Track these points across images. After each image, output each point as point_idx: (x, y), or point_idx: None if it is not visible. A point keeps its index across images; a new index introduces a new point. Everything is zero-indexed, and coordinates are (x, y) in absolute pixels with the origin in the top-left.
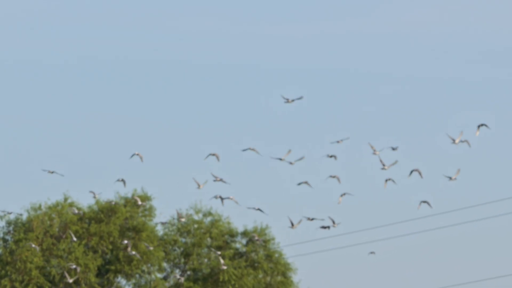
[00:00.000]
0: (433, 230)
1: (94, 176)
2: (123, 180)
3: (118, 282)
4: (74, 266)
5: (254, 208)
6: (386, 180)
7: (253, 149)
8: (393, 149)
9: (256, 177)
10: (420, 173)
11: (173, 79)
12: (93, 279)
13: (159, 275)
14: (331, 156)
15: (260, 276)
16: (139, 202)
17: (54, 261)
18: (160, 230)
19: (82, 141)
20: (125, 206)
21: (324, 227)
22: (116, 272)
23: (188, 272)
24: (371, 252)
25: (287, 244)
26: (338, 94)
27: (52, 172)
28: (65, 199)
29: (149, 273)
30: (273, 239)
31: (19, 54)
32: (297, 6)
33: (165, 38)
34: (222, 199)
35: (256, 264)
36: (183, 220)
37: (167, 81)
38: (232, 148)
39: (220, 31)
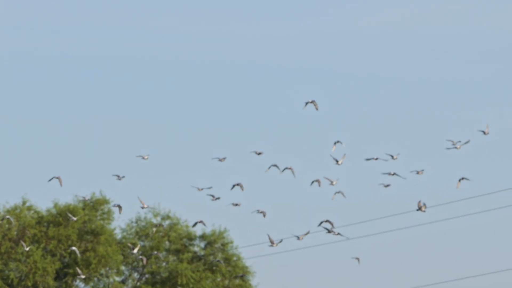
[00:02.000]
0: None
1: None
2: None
3: (77, 286)
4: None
5: (257, 211)
6: (335, 192)
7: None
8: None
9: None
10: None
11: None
12: (51, 282)
13: (117, 279)
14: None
15: (219, 279)
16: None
17: (12, 265)
18: (118, 234)
19: (40, 144)
20: (83, 209)
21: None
22: (74, 275)
23: (147, 275)
24: (356, 258)
25: (245, 245)
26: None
27: None
28: (24, 203)
29: (107, 277)
30: (232, 242)
31: (19, 53)
32: (278, 5)
33: (160, 37)
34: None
35: (214, 268)
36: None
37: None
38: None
39: (201, 30)
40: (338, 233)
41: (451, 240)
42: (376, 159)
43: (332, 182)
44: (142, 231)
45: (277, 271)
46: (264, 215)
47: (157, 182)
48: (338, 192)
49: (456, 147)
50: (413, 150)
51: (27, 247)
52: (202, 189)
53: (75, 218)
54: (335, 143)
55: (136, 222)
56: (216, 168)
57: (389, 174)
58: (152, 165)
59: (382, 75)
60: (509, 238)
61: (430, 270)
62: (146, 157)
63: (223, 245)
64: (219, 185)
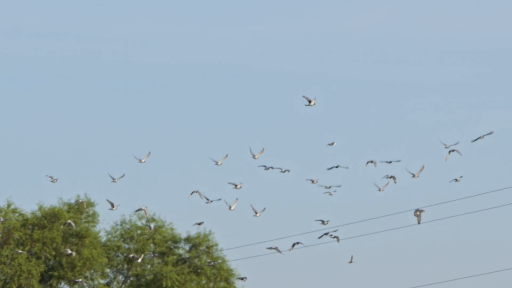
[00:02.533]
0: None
1: (36, 183)
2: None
3: None
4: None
5: (256, 212)
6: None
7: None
8: (388, 162)
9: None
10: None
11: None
12: (36, 285)
13: (102, 281)
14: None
15: (203, 282)
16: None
17: None
18: (103, 236)
19: (22, 147)
20: (68, 212)
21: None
22: (59, 278)
23: (131, 278)
24: (350, 261)
25: (230, 247)
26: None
27: None
28: (9, 205)
29: (92, 279)
30: (216, 245)
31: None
32: (247, 8)
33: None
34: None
35: (199, 270)
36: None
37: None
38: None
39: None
40: (335, 237)
41: (444, 240)
42: (373, 162)
43: (328, 187)
44: (127, 234)
45: (262, 274)
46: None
47: (143, 185)
48: (329, 188)
49: (455, 151)
50: (398, 152)
51: (13, 249)
52: (211, 201)
53: (73, 224)
54: (329, 144)
55: (121, 225)
56: (211, 169)
57: (387, 177)
58: (138, 168)
59: (359, 79)
60: (502, 238)
61: (423, 271)
62: (143, 161)
63: (208, 247)
64: (215, 188)
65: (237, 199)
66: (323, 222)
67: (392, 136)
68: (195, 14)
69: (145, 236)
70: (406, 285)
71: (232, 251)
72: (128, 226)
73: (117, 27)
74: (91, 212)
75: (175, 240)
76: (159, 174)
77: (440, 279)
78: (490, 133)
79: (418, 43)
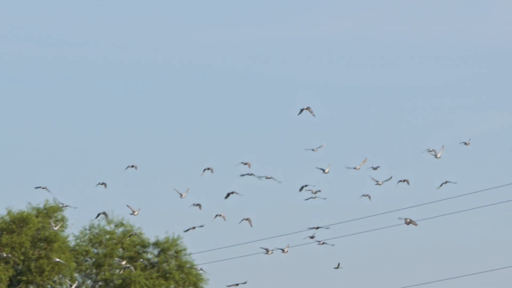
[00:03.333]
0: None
1: (6, 186)
2: (104, 184)
3: None
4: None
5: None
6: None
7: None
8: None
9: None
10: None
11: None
12: None
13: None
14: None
15: (172, 286)
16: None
17: None
18: (72, 241)
19: None
20: (37, 216)
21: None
22: (28, 282)
23: (100, 283)
24: (337, 267)
25: (197, 251)
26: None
27: None
28: None
29: (60, 284)
30: (185, 249)
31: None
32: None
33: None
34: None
35: (167, 275)
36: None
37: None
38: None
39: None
40: (323, 243)
41: (434, 240)
42: (359, 168)
43: (315, 191)
44: (95, 238)
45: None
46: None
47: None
48: (316, 193)
49: (435, 156)
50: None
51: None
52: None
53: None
54: (313, 149)
55: (90, 230)
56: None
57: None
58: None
59: (319, 82)
60: (491, 238)
61: (414, 271)
62: (135, 167)
63: (176, 252)
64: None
65: (188, 188)
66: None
67: (380, 141)
68: (173, 17)
69: (114, 241)
70: (397, 285)
71: (200, 255)
72: (96, 230)
73: (109, 30)
74: (59, 217)
75: (144, 245)
76: (136, 179)
77: (430, 279)
78: (466, 143)
79: (400, 45)
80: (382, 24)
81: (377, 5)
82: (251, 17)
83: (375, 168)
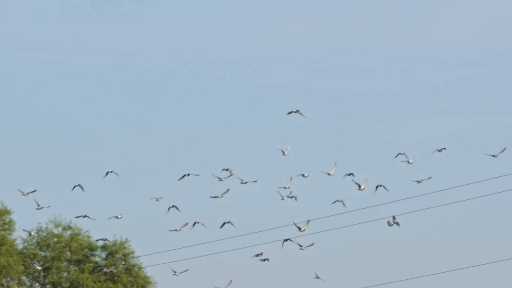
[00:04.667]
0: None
1: None
2: (80, 186)
3: None
4: None
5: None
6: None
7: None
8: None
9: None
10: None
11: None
12: None
13: None
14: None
15: None
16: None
17: None
18: (19, 244)
19: None
20: None
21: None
22: None
23: (48, 286)
24: (317, 277)
25: (146, 253)
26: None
27: None
28: None
29: (8, 287)
30: (133, 252)
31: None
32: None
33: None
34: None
35: (115, 278)
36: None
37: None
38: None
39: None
40: (306, 247)
41: (417, 236)
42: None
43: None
44: (43, 241)
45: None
46: (158, 200)
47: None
48: (292, 197)
49: (408, 162)
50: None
51: None
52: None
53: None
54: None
55: (38, 233)
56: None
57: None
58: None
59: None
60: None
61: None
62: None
63: (124, 255)
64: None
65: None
66: (299, 229)
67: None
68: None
69: (62, 244)
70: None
71: (147, 257)
72: (44, 234)
73: (102, 37)
74: (7, 220)
75: (92, 248)
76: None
77: (413, 275)
78: (442, 149)
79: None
80: (360, 28)
81: (355, 10)
82: (248, 19)
83: (349, 175)
